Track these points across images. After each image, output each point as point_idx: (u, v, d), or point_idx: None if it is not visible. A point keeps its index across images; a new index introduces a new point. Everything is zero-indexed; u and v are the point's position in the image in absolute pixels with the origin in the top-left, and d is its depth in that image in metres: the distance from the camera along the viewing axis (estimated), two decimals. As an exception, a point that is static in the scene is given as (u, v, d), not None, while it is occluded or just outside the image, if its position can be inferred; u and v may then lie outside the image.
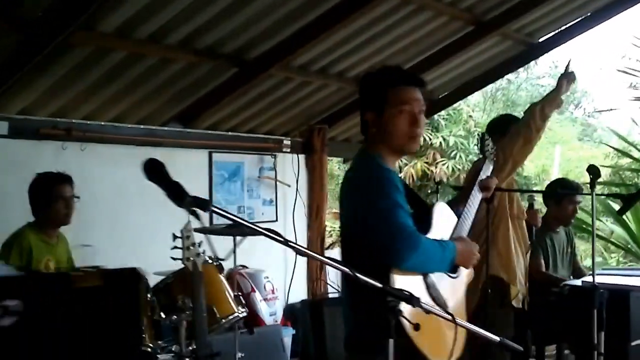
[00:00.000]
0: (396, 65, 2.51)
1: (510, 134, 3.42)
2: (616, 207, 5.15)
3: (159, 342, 3.11)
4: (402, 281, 2.07)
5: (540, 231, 4.47)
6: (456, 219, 2.47)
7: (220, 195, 5.52)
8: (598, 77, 23.97)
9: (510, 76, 13.36)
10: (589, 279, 3.95)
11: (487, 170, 2.76)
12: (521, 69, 13.60)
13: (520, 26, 5.69)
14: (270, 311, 5.62)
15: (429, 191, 9.43)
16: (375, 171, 2.21)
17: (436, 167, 9.88)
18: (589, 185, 3.21)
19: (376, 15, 4.72)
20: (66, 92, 4.34)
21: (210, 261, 3.35)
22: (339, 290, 5.95)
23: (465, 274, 2.41)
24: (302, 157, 6.17)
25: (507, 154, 3.34)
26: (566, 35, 5.99)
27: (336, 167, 9.41)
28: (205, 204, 1.57)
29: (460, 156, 9.85)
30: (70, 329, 2.07)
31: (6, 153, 4.20)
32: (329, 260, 1.70)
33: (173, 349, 3.08)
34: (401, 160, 9.96)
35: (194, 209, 1.55)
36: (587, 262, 8.55)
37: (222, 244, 3.90)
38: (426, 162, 9.98)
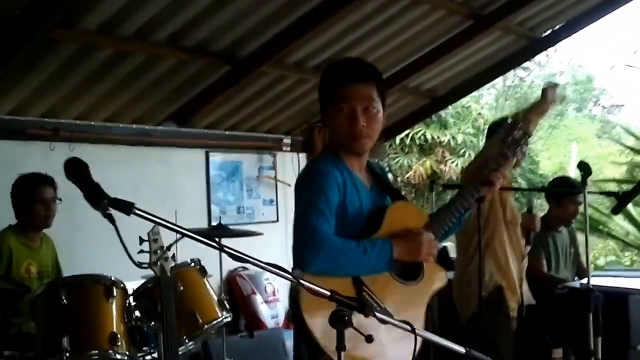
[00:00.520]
0: (351, 58, 2.38)
1: (493, 140, 3.26)
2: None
3: (145, 348, 3.02)
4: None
5: (541, 231, 4.33)
6: (427, 216, 2.29)
7: (218, 196, 5.44)
8: (616, 73, 23.57)
9: (522, 73, 13.16)
10: (593, 280, 3.82)
11: (500, 161, 2.30)
12: (534, 66, 13.41)
13: (522, 20, 5.54)
14: (271, 314, 5.53)
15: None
16: (309, 172, 2.15)
17: (445, 166, 9.72)
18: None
19: (370, 9, 4.61)
20: (54, 92, 4.29)
21: (193, 264, 3.27)
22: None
23: (429, 281, 2.22)
24: (302, 155, 6.06)
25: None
26: (570, 29, 5.83)
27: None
28: (127, 207, 1.46)
29: (469, 154, 9.69)
30: None
31: (-6, 154, 4.16)
32: (271, 267, 1.59)
33: (155, 356, 3.00)
34: (410, 159, 9.84)
35: (110, 212, 1.43)
36: (600, 262, 8.37)
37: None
38: (436, 161, 9.83)
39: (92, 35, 3.87)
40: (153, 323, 2.87)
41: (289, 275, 1.60)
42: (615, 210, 3.21)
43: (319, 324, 1.94)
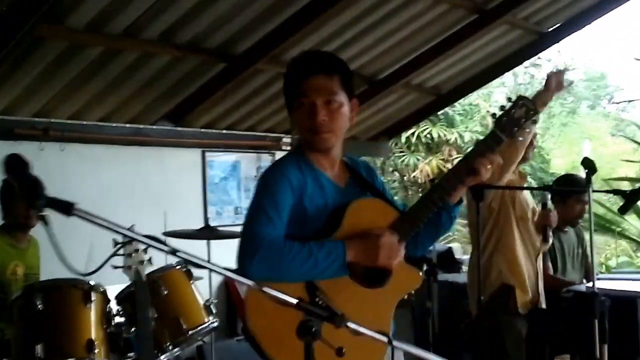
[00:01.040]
0: (312, 51, 2.26)
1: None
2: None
3: (130, 354, 2.91)
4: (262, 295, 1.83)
5: (549, 233, 4.18)
6: (396, 212, 2.08)
7: (215, 196, 5.32)
8: (630, 68, 23.20)
9: (533, 70, 12.94)
10: (600, 283, 3.66)
11: (488, 147, 1.99)
12: (545, 62, 13.19)
13: (528, 14, 5.38)
14: (268, 317, 5.40)
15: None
16: (265, 172, 2.04)
17: (452, 164, 9.56)
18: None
19: (370, 2, 4.48)
20: (45, 92, 4.20)
21: (178, 267, 3.15)
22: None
23: (398, 284, 2.04)
24: (303, 155, 5.93)
25: None
26: (578, 23, 5.65)
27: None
28: (67, 207, 1.34)
29: (476, 152, 9.51)
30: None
31: (-18, 155, 4.06)
32: (230, 273, 1.46)
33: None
34: (416, 158, 9.70)
35: (45, 214, 1.31)
36: (612, 263, 8.16)
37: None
38: (441, 159, 9.67)
39: (80, 33, 3.78)
40: (134, 329, 2.74)
41: (250, 282, 1.46)
42: (623, 210, 3.04)
43: (265, 333, 1.85)
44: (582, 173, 3.04)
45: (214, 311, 3.13)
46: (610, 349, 2.95)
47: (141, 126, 4.75)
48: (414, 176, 9.71)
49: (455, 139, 9.64)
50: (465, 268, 5.35)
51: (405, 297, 2.22)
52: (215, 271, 1.42)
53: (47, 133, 4.15)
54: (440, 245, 6.82)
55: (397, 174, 9.59)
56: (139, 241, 1.36)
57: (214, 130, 5.26)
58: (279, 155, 5.79)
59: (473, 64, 5.96)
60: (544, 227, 3.56)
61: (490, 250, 3.45)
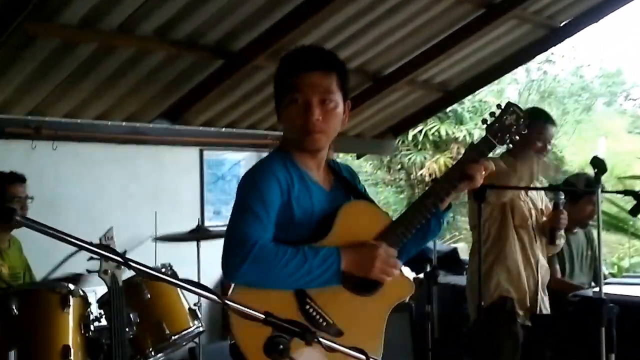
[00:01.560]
0: (309, 45, 2.14)
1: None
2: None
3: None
4: (249, 301, 1.71)
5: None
6: (388, 218, 2.00)
7: (213, 196, 5.21)
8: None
9: (546, 66, 12.71)
10: (609, 288, 3.50)
11: (479, 153, 1.97)
12: (559, 58, 12.94)
13: (539, 8, 5.20)
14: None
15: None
16: (250, 171, 1.92)
17: (460, 163, 9.36)
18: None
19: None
20: (38, 90, 4.12)
21: (163, 270, 3.04)
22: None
23: (390, 292, 1.94)
24: (306, 153, 5.80)
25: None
26: (592, 17, 5.46)
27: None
28: (7, 213, 1.21)
29: (488, 150, 9.33)
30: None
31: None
32: (188, 285, 1.33)
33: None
34: (423, 156, 9.53)
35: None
36: (625, 264, 7.95)
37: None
38: (450, 157, 9.49)
39: (73, 29, 3.69)
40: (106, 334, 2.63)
41: (211, 295, 1.33)
42: (634, 212, 2.87)
43: (250, 342, 1.72)
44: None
45: (199, 315, 3.02)
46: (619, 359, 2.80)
47: (137, 124, 4.65)
48: (421, 174, 9.54)
49: (464, 136, 9.44)
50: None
51: (406, 300, 2.12)
52: (168, 282, 1.30)
53: (39, 131, 4.06)
54: (445, 245, 6.67)
55: (404, 172, 9.43)
56: (87, 250, 1.23)
57: (212, 129, 5.14)
58: (281, 153, 5.70)
59: (481, 60, 5.80)
60: (552, 229, 3.42)
61: (491, 260, 3.33)
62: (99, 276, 2.37)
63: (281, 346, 1.33)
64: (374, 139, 6.62)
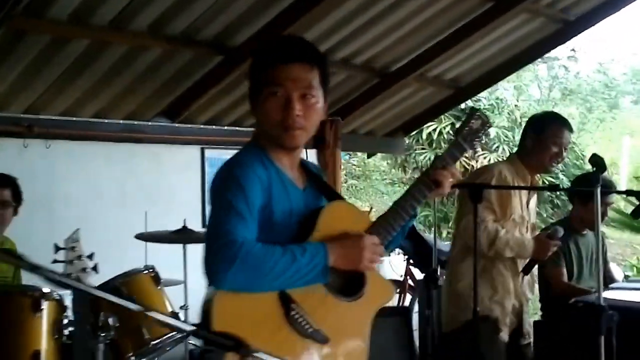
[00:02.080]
0: (289, 35, 2.02)
1: None
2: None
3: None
4: (234, 309, 1.60)
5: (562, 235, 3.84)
6: (368, 219, 1.93)
7: (215, 195, 5.11)
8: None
9: (568, 63, 12.40)
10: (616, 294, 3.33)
11: (451, 156, 1.98)
12: (582, 55, 12.65)
13: (551, 1, 5.03)
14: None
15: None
16: (228, 168, 1.78)
17: (477, 162, 9.13)
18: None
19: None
20: (31, 88, 4.06)
21: (145, 271, 2.95)
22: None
23: (374, 296, 1.86)
24: (312, 152, 5.69)
25: None
26: (607, 10, 5.25)
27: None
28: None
29: (503, 149, 9.08)
30: None
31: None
32: (95, 290, 1.22)
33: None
34: (438, 155, 9.31)
35: None
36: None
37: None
38: (465, 156, 9.25)
39: (63, 25, 3.62)
40: (91, 340, 2.54)
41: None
42: (636, 213, 2.70)
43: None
44: (622, 170, 2.75)
45: (182, 319, 2.92)
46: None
47: (135, 122, 4.57)
48: (435, 174, 9.31)
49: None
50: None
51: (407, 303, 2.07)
52: (77, 289, 1.19)
53: (31, 130, 4.00)
54: (446, 244, 6.49)
55: (419, 171, 9.24)
56: None
57: (213, 127, 5.05)
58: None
59: (493, 55, 5.63)
60: (533, 260, 3.19)
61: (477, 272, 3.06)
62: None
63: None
64: (384, 137, 6.48)
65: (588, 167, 9.90)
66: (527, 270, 3.16)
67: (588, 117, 13.33)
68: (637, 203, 2.86)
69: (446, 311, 3.28)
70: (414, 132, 8.62)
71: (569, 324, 3.07)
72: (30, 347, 2.44)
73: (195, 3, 3.83)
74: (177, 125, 4.78)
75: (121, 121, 4.51)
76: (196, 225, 4.84)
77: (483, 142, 2.14)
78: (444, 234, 8.91)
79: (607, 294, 2.90)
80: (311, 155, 5.66)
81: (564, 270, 3.79)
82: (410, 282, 6.40)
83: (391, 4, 4.43)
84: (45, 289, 2.56)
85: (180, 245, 3.61)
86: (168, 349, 2.93)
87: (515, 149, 3.57)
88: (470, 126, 2.01)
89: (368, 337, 1.85)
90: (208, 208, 4.99)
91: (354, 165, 10.07)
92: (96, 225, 4.36)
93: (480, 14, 4.87)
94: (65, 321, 2.58)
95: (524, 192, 3.33)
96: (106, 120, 4.44)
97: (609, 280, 4.04)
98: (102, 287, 2.72)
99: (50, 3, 3.45)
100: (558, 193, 7.95)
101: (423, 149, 9.39)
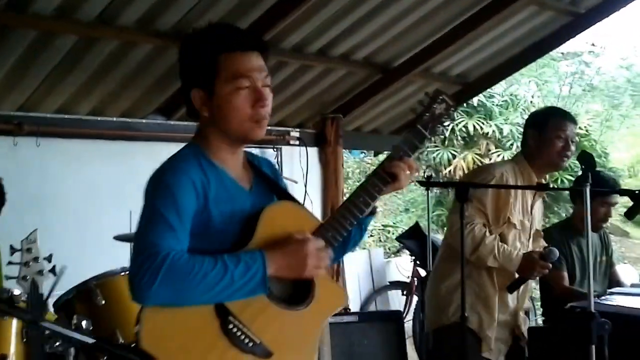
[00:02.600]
0: (226, 23, 1.91)
1: None
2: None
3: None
4: (165, 324, 1.50)
5: (564, 236, 3.69)
6: (316, 220, 1.79)
7: (212, 194, 5.02)
8: None
9: (587, 57, 12.09)
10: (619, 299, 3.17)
11: (410, 145, 1.80)
12: (604, 50, 12.31)
13: (560, -7, 4.86)
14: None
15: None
16: (159, 171, 1.70)
17: (490, 159, 8.91)
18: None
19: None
20: (22, 86, 4.00)
21: (123, 273, 2.88)
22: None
23: (323, 304, 1.74)
24: (313, 150, 5.58)
25: None
26: (619, 1, 5.06)
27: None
28: None
29: (517, 147, 8.85)
30: None
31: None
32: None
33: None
34: (450, 153, 9.12)
35: None
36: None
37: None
38: (478, 154, 9.05)
39: (48, 20, 3.54)
40: (58, 343, 2.46)
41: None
42: (629, 214, 2.54)
43: None
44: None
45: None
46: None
47: (129, 120, 4.50)
48: (448, 172, 9.15)
49: (494, 132, 9.00)
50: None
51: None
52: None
53: (21, 128, 3.94)
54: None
55: (431, 170, 9.08)
56: None
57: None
58: (286, 150, 5.48)
59: (502, 50, 5.48)
60: (521, 278, 3.00)
61: (457, 280, 2.85)
62: (17, 282, 2.21)
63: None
64: (391, 135, 6.34)
65: (610, 165, 9.62)
66: (512, 288, 2.98)
67: (612, 114, 12.99)
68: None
69: (427, 311, 3.15)
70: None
71: (561, 330, 2.91)
72: (-2, 351, 2.38)
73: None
74: (172, 122, 4.70)
75: (115, 119, 4.44)
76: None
77: (447, 129, 1.91)
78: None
79: (606, 300, 2.75)
80: (312, 154, 5.55)
81: (565, 274, 3.64)
82: (417, 283, 6.26)
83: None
84: (16, 292, 2.49)
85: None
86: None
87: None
88: (432, 111, 1.83)
89: (316, 348, 1.74)
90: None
91: (368, 163, 9.93)
92: (89, 225, 4.32)
93: (484, 6, 4.73)
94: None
95: (528, 196, 3.17)
96: (99, 118, 4.38)
97: (615, 283, 3.87)
98: (78, 287, 2.68)
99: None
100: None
101: (436, 147, 9.22)
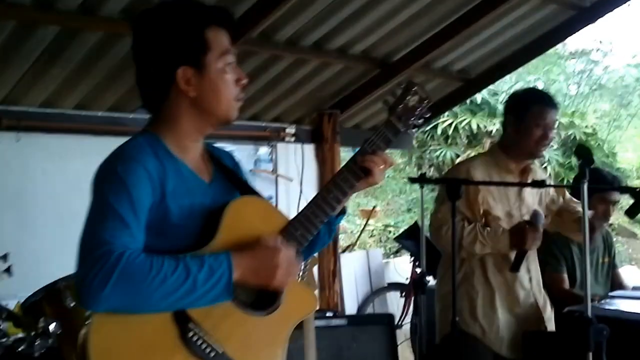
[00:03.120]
0: None
1: None
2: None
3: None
4: (117, 333, 1.35)
5: (564, 236, 3.51)
6: (284, 217, 1.66)
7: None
8: None
9: (596, 56, 11.89)
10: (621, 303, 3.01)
11: (383, 139, 1.69)
12: (612, 49, 12.12)
13: (564, -14, 4.69)
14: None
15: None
16: (111, 160, 1.56)
17: (494, 158, 8.76)
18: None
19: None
20: (3, 78, 3.87)
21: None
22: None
23: (292, 309, 1.61)
24: (309, 147, 5.44)
25: None
26: (627, -7, 4.89)
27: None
28: None
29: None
30: None
31: None
32: None
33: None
34: (454, 152, 8.94)
35: None
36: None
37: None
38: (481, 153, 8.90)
39: (27, 9, 3.42)
40: (23, 347, 2.34)
41: None
42: (630, 212, 2.38)
43: None
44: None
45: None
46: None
47: (116, 114, 4.37)
48: (451, 171, 8.99)
49: (497, 129, 8.82)
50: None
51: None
52: None
53: (0, 121, 3.82)
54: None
55: (434, 169, 8.91)
56: None
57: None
58: (281, 146, 5.34)
59: (504, 45, 5.32)
60: (520, 251, 2.83)
61: (457, 283, 2.73)
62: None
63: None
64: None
65: (618, 165, 9.41)
66: (515, 266, 2.81)
67: (620, 113, 12.77)
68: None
69: (436, 318, 3.01)
70: (427, 128, 8.32)
71: (558, 336, 2.75)
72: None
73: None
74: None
75: (100, 113, 4.31)
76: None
77: (422, 122, 1.79)
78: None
79: (606, 304, 2.59)
80: (309, 150, 5.42)
81: (565, 276, 3.48)
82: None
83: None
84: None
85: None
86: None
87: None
88: (405, 102, 1.71)
89: (284, 355, 1.59)
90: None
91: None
92: (72, 224, 4.17)
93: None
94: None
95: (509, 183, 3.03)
96: (83, 113, 4.25)
97: (617, 285, 3.70)
98: (47, 288, 2.54)
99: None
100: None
101: (439, 145, 9.05)
